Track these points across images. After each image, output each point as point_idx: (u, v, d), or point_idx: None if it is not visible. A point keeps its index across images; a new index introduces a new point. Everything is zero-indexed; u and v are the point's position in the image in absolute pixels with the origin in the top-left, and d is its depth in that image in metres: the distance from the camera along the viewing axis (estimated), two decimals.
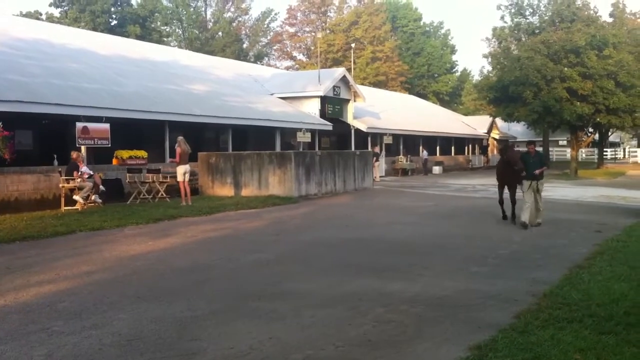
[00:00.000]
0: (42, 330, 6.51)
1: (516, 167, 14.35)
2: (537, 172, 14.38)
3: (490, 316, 6.95)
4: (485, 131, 56.72)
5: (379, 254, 11.06)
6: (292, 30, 79.63)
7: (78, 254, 10.96)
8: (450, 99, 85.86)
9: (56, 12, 62.05)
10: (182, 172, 19.32)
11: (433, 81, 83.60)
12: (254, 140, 31.52)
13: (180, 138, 19.78)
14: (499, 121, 55.91)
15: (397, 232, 13.76)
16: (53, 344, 6.08)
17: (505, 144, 16.86)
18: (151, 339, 6.20)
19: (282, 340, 6.14)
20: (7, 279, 8.93)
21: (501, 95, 41.51)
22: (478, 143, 58.03)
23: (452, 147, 52.86)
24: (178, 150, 19.50)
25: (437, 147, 49.48)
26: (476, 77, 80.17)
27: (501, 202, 15.62)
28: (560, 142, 70.08)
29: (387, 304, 7.50)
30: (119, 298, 7.82)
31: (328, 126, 34.21)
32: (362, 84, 58.34)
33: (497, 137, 58.88)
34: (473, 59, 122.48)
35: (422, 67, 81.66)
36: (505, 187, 15.44)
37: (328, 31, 75.50)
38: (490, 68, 48.93)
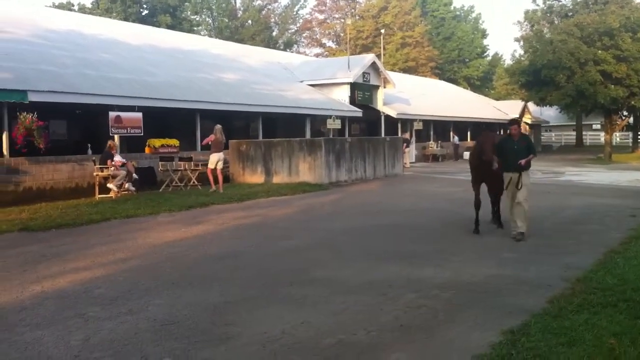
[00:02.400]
0: (78, 315, 6.65)
1: (484, 158, 10.94)
2: (522, 162, 10.49)
3: (523, 301, 6.92)
4: (517, 116, 56.05)
5: (409, 240, 11.05)
6: (321, 17, 79.46)
7: (112, 241, 11.15)
8: (481, 84, 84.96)
9: (88, 2, 62.93)
10: (215, 160, 19.48)
11: (464, 66, 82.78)
12: (283, 128, 31.59)
13: (217, 126, 19.92)
14: (531, 105, 55.11)
15: (426, 219, 13.72)
16: (90, 329, 6.21)
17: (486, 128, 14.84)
18: (185, 324, 6.30)
19: (314, 326, 6.20)
20: (43, 266, 9.12)
21: (533, 79, 40.89)
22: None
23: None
24: (212, 137, 19.65)
25: (468, 133, 49.04)
26: (508, 61, 79.40)
27: (477, 205, 11.68)
28: (594, 126, 68.90)
29: (417, 289, 7.51)
30: (154, 284, 7.95)
31: (358, 113, 34.13)
32: (392, 70, 58.00)
33: (529, 122, 58.13)
34: (505, 42, 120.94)
35: (452, 52, 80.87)
36: (487, 186, 12.01)
37: (357, 17, 75.17)
38: (522, 52, 48.27)
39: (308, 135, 30.55)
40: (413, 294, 7.29)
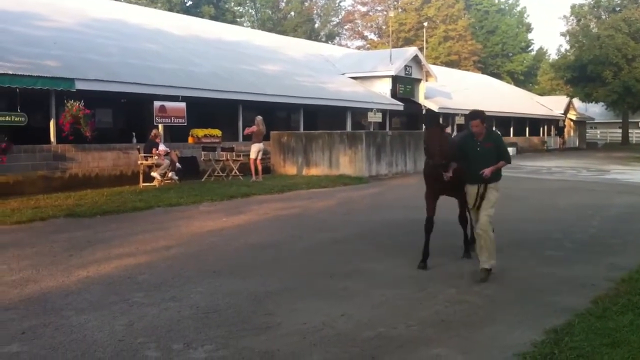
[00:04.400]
0: (123, 301, 6.79)
1: (432, 162, 8.28)
2: (485, 171, 7.67)
3: (566, 300, 6.84)
4: (562, 112, 55.04)
5: (449, 235, 10.92)
6: (363, 9, 79.17)
7: (156, 229, 11.33)
8: (525, 79, 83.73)
9: None
10: (256, 150, 19.70)
11: (507, 60, 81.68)
12: (324, 120, 31.61)
13: (259, 118, 20.11)
14: (576, 101, 54.27)
15: None
16: (134, 314, 6.33)
17: (430, 115, 9.10)
18: (227, 312, 6.38)
19: (354, 318, 6.22)
20: (88, 252, 9.32)
21: (579, 75, 40.32)
22: (554, 124, 56.39)
23: (527, 128, 51.59)
24: (254, 128, 19.83)
25: (511, 128, 48.39)
26: (553, 56, 78.06)
27: (428, 226, 8.82)
28: None
29: (457, 285, 7.48)
30: (196, 272, 8.06)
31: (399, 106, 33.98)
32: (434, 63, 57.54)
33: (574, 118, 57.13)
34: (550, 37, 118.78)
35: (496, 46, 79.85)
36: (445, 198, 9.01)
37: (400, 10, 74.69)
38: (568, 47, 47.51)
39: (349, 128, 30.54)
40: (453, 289, 7.26)
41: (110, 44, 23.73)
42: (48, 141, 17.68)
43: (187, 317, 6.25)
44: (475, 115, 8.00)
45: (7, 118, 16.39)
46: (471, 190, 8.00)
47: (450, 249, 9.53)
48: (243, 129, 22.78)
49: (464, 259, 8.87)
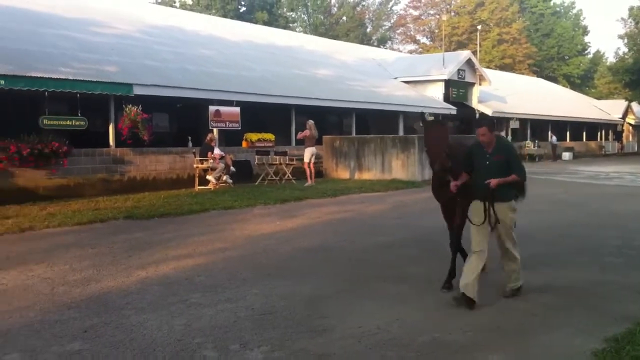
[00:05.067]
0: (181, 301, 6.92)
1: (435, 169, 7.34)
2: (492, 181, 6.75)
3: (626, 308, 6.67)
4: (620, 116, 53.67)
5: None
6: (415, 13, 78.82)
7: (212, 231, 11.51)
8: (581, 82, 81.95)
9: None
10: (309, 154, 19.85)
11: (563, 64, 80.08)
12: (376, 124, 31.58)
13: (310, 122, 20.25)
14: (634, 105, 52.82)
15: (521, 220, 13.29)
16: (192, 314, 6.45)
17: (432, 121, 8.78)
18: (282, 315, 6.45)
19: (408, 323, 6.21)
20: (147, 253, 9.53)
21: (637, 78, 39.23)
22: (612, 128, 55.04)
23: (584, 133, 50.49)
24: (306, 132, 19.99)
25: (567, 133, 47.45)
26: (610, 59, 76.25)
27: (455, 245, 7.89)
28: None
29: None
30: (251, 274, 8.17)
31: (452, 110, 33.70)
32: (488, 67, 56.86)
33: (632, 122, 55.64)
34: (607, 40, 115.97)
35: (551, 49, 78.39)
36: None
37: (453, 14, 74.03)
38: (626, 49, 46.28)
39: (401, 132, 30.44)
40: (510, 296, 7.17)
41: (166, 50, 24.23)
42: (107, 145, 18.15)
43: (243, 318, 6.34)
44: (481, 122, 7.11)
45: (68, 122, 16.93)
46: (476, 207, 6.97)
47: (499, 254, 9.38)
48: (296, 133, 22.95)
49: (444, 290, 7.36)
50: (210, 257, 9.30)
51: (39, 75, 16.15)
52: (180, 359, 5.26)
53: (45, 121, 16.30)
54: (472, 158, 7.04)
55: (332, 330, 5.98)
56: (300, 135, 20.48)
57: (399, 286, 7.61)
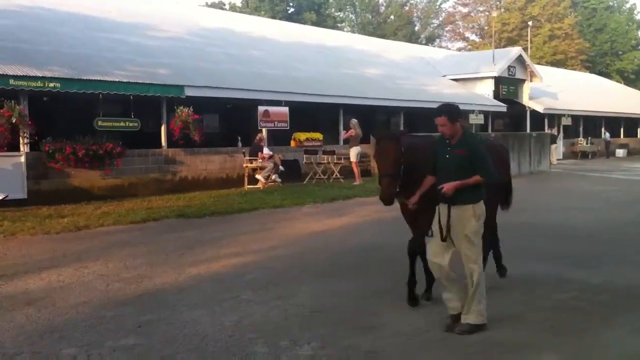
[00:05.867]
0: (232, 298, 7.02)
1: (382, 174, 6.26)
2: (445, 186, 5.73)
3: None
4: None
5: (556, 239, 10.65)
6: (464, 10, 77.83)
7: (261, 230, 11.64)
8: (635, 77, 79.65)
9: (238, 1, 65.44)
10: (355, 153, 19.88)
11: (617, 59, 78.00)
12: (425, 123, 31.27)
13: (354, 121, 20.27)
14: None
15: (575, 218, 13.13)
16: (243, 311, 6.54)
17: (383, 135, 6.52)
18: (332, 312, 6.48)
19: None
20: (199, 251, 9.69)
21: None
22: None
23: (638, 129, 49.14)
24: (351, 132, 20.03)
25: (621, 129, 46.23)
26: None
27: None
28: None
29: (568, 290, 7.24)
30: (300, 272, 8.23)
31: (502, 107, 33.23)
32: (539, 63, 55.80)
33: None
34: None
35: (604, 44, 76.45)
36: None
37: (503, 10, 72.90)
38: None
39: None
40: (563, 295, 7.04)
41: (217, 51, 24.55)
42: (159, 145, 18.48)
43: (293, 315, 6.40)
44: (440, 110, 5.88)
45: (122, 124, 17.32)
46: (440, 211, 5.90)
47: (559, 256, 9.27)
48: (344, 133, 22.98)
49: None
50: (260, 255, 9.40)
51: (93, 78, 16.56)
52: (232, 355, 5.33)
53: (99, 123, 16.70)
54: (436, 155, 6.03)
55: (381, 327, 5.99)
56: (344, 135, 20.54)
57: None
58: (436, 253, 5.92)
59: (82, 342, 5.67)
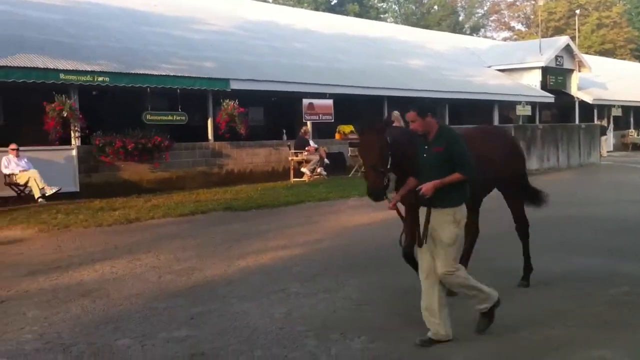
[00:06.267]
0: (281, 290, 7.10)
1: (367, 166, 5.79)
2: (423, 187, 5.30)
3: None
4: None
5: (607, 233, 10.45)
6: None
7: (307, 223, 11.72)
8: None
9: None
10: None
11: None
12: (470, 114, 31.02)
13: (395, 113, 20.14)
14: None
15: (626, 210, 12.86)
16: (292, 303, 6.61)
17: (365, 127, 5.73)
18: (379, 305, 6.50)
19: (510, 315, 6.04)
20: (246, 243, 9.81)
21: None
22: None
23: None
24: (397, 124, 19.93)
25: None
26: None
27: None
28: None
29: (619, 284, 7.10)
30: (347, 265, 8.26)
31: (549, 98, 32.69)
32: (587, 52, 54.60)
33: None
34: None
35: None
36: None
37: None
38: None
39: (496, 122, 29.80)
40: (615, 290, 6.91)
41: (261, 44, 24.69)
42: (206, 139, 18.71)
43: (341, 308, 6.44)
44: (413, 106, 5.44)
45: (170, 117, 17.59)
46: (422, 213, 5.49)
47: (611, 250, 9.10)
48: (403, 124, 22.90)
49: None
50: (306, 247, 9.48)
51: (141, 72, 16.85)
52: (283, 347, 5.40)
53: (148, 117, 16.99)
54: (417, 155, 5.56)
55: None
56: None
57: (497, 279, 7.48)
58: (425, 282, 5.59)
59: (136, 333, 5.81)
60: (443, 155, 5.30)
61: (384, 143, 5.49)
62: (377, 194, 5.60)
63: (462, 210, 5.39)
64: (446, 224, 5.30)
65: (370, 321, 6.01)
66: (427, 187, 5.24)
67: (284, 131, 21.57)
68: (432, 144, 5.38)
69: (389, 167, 5.58)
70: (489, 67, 34.85)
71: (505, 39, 70.71)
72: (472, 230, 7.12)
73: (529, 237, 7.43)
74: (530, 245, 7.45)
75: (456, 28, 69.62)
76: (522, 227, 7.50)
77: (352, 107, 24.01)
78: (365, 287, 7.22)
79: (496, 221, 8.69)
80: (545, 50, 33.25)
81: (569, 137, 24.22)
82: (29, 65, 15.23)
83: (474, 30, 74.67)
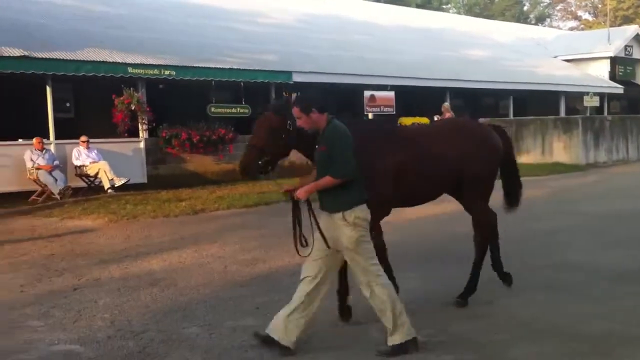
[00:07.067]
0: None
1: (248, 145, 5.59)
2: (298, 193, 5.08)
3: None
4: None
5: None
6: None
7: None
8: None
9: None
10: None
11: None
12: (535, 106, 30.42)
13: (445, 104, 20.02)
14: None
15: None
16: (353, 297, 6.56)
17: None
18: (445, 299, 6.40)
19: (574, 311, 5.98)
20: (308, 234, 9.82)
21: None
22: None
23: None
24: (447, 116, 19.73)
25: None
26: None
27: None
28: None
29: None
30: (410, 258, 8.20)
31: (618, 89, 31.76)
32: None
33: None
34: None
35: None
36: None
37: None
38: None
39: (562, 113, 29.14)
40: None
41: (323, 37, 24.78)
42: None
43: (406, 301, 6.37)
44: (296, 101, 5.15)
45: (233, 110, 17.86)
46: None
47: None
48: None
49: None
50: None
51: (206, 65, 17.14)
52: (347, 340, 5.43)
53: (212, 109, 17.29)
54: None
55: (495, 316, 5.92)
56: (438, 120, 20.18)
57: (560, 274, 7.35)
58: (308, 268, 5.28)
59: (204, 321, 5.95)
60: (326, 155, 4.94)
61: (277, 126, 5.26)
62: (244, 170, 5.48)
63: (355, 212, 4.90)
64: (340, 228, 4.94)
65: (432, 315, 5.97)
66: (299, 192, 5.01)
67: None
68: (319, 143, 5.03)
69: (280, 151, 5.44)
70: (555, 57, 34.09)
71: (571, 29, 68.89)
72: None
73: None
74: (596, 240, 7.25)
75: (521, 18, 68.16)
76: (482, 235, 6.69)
77: (413, 99, 23.91)
78: (428, 280, 7.24)
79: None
80: (614, 40, 32.32)
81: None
82: (98, 60, 15.69)
83: (539, 20, 72.96)
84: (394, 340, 5.01)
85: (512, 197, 7.38)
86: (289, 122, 5.20)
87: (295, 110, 5.04)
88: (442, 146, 6.14)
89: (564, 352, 5.05)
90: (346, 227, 4.89)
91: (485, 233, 6.67)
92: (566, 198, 14.02)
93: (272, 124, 5.28)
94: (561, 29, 64.57)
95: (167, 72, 16.46)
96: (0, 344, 5.47)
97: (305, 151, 5.58)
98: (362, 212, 4.94)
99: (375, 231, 5.69)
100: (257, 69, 18.13)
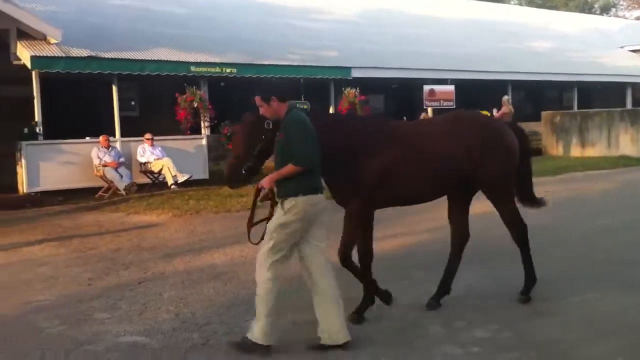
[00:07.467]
0: (405, 277, 7.19)
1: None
2: (262, 182, 5.16)
3: None
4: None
5: None
6: None
7: (425, 211, 11.08)
8: None
9: None
10: None
11: None
12: (600, 97, 29.60)
13: (505, 97, 19.75)
14: None
15: None
16: (416, 291, 6.64)
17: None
18: (503, 296, 6.37)
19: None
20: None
21: None
22: None
23: None
24: (504, 110, 19.49)
25: None
26: None
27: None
28: None
29: None
30: (467, 254, 8.05)
31: None
32: None
33: None
34: None
35: None
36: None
37: None
38: None
39: (629, 105, 28.24)
40: None
41: (381, 32, 24.70)
42: None
43: (464, 296, 6.39)
44: (258, 90, 5.21)
45: None
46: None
47: None
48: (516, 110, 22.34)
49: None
50: (425, 235, 9.48)
51: (266, 63, 17.34)
52: (409, 333, 5.47)
53: None
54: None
55: (555, 314, 5.86)
56: (497, 114, 19.87)
57: (630, 271, 7.18)
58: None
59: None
60: (284, 143, 5.01)
61: (253, 135, 5.28)
62: (228, 181, 5.58)
63: (292, 201, 5.00)
64: (278, 211, 5.09)
65: (495, 311, 5.93)
66: (264, 181, 5.09)
67: (404, 118, 21.48)
68: (280, 131, 5.08)
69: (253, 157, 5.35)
70: (621, 47, 33.06)
71: (638, 18, 66.65)
72: (458, 234, 6.70)
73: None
74: None
75: (584, 8, 66.32)
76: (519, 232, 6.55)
77: (474, 92, 23.60)
78: (487, 277, 7.16)
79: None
80: None
81: None
82: (161, 59, 16.06)
83: (604, 10, 70.84)
84: (252, 334, 5.11)
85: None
86: (267, 121, 5.22)
87: (257, 99, 5.13)
88: (443, 143, 6.03)
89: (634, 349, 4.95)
90: (280, 210, 5.04)
91: (517, 228, 6.56)
92: (634, 192, 13.65)
93: (247, 127, 5.37)
94: (627, 18, 62.57)
95: (228, 70, 16.72)
96: (69, 335, 5.67)
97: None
98: (302, 202, 5.02)
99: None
100: (317, 65, 18.24)
